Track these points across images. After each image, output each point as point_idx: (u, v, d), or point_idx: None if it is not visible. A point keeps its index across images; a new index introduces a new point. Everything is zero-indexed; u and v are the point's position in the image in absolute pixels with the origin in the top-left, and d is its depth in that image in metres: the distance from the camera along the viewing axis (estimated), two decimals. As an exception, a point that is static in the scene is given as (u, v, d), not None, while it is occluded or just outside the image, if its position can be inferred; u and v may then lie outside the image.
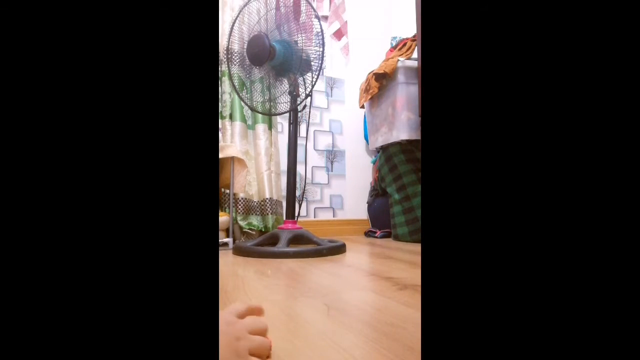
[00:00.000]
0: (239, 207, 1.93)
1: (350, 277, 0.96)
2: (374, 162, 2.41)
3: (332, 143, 2.44)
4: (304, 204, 2.29)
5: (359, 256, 1.37)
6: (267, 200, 1.98)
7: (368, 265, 1.15)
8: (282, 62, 1.49)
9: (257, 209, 1.97)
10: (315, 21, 1.46)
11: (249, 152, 2.03)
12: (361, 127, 2.50)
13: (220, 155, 1.66)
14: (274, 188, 2.01)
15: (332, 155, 2.43)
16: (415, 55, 1.95)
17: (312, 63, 1.51)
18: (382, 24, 2.63)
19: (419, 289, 0.81)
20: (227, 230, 1.68)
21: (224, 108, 2.00)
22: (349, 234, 2.32)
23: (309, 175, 2.33)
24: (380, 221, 2.17)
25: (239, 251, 1.41)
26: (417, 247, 1.62)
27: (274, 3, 1.57)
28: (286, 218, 1.58)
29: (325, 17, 2.37)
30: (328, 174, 2.40)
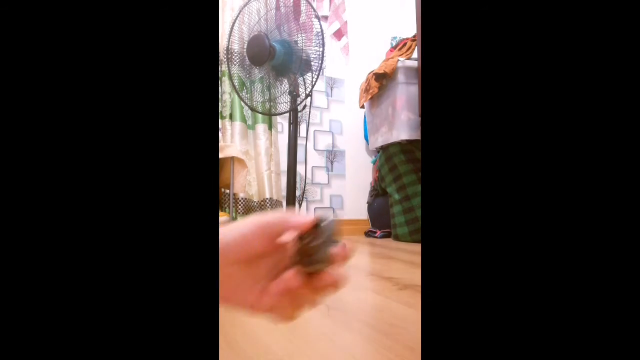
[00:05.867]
0: (239, 207, 1.93)
1: (350, 277, 0.96)
2: (374, 162, 2.41)
3: (332, 143, 2.44)
4: (304, 204, 2.29)
5: (359, 256, 1.37)
6: (267, 200, 1.98)
7: (368, 265, 1.15)
8: (282, 62, 1.49)
9: (257, 209, 1.97)
10: (315, 21, 1.46)
11: (249, 152, 2.03)
12: (361, 127, 2.50)
13: (220, 155, 1.65)
14: (274, 188, 2.01)
15: (332, 155, 2.43)
16: (415, 55, 1.95)
17: (312, 63, 1.51)
18: (382, 24, 2.63)
19: (419, 289, 0.81)
20: (227, 230, 1.67)
21: (224, 108, 2.00)
22: (349, 234, 2.32)
23: (309, 175, 2.32)
24: (380, 221, 2.17)
25: (239, 251, 1.41)
26: (417, 247, 1.62)
27: (274, 3, 1.57)
28: (286, 218, 1.57)
29: (325, 17, 2.36)
30: (328, 174, 2.40)
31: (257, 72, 1.60)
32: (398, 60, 1.87)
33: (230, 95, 2.00)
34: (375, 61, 2.38)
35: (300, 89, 1.58)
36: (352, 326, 0.55)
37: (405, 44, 2.08)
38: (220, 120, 1.98)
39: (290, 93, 1.57)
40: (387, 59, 2.08)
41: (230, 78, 1.68)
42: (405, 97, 1.84)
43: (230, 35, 1.60)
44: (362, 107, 2.30)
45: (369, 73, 2.07)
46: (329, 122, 2.44)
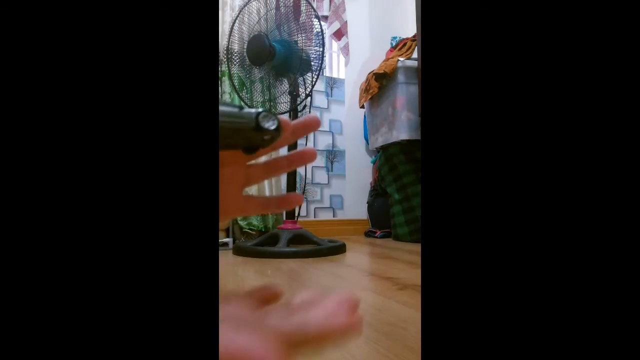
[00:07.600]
0: (239, 207, 1.93)
1: (350, 277, 0.96)
2: (374, 162, 2.41)
3: (332, 143, 2.44)
4: (304, 204, 2.29)
5: (359, 256, 1.37)
6: (267, 200, 1.98)
7: (368, 265, 1.15)
8: (282, 62, 1.49)
9: (257, 209, 1.97)
10: (315, 21, 1.46)
11: (249, 152, 2.03)
12: (361, 127, 2.50)
13: (220, 155, 1.65)
14: (273, 188, 2.01)
15: (332, 155, 2.43)
16: (415, 55, 1.95)
17: (312, 63, 1.51)
18: (382, 24, 2.63)
19: (419, 289, 0.81)
20: (227, 230, 1.68)
21: (224, 108, 2.00)
22: (349, 234, 2.32)
23: (309, 175, 2.33)
24: (380, 221, 2.17)
25: (239, 251, 1.41)
26: (417, 247, 1.62)
27: (274, 3, 1.57)
28: (286, 218, 1.58)
29: (325, 17, 2.36)
30: (328, 174, 2.40)
31: (257, 72, 1.60)
32: (398, 60, 1.87)
33: (230, 95, 2.00)
34: (375, 61, 2.38)
35: (300, 89, 1.58)
36: (352, 326, 0.55)
37: (405, 44, 2.08)
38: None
39: (290, 93, 1.58)
40: (387, 59, 2.08)
41: (230, 78, 1.68)
42: (405, 97, 1.84)
43: (230, 35, 1.60)
44: (362, 107, 2.30)
45: (369, 73, 2.07)
46: (329, 122, 2.44)
